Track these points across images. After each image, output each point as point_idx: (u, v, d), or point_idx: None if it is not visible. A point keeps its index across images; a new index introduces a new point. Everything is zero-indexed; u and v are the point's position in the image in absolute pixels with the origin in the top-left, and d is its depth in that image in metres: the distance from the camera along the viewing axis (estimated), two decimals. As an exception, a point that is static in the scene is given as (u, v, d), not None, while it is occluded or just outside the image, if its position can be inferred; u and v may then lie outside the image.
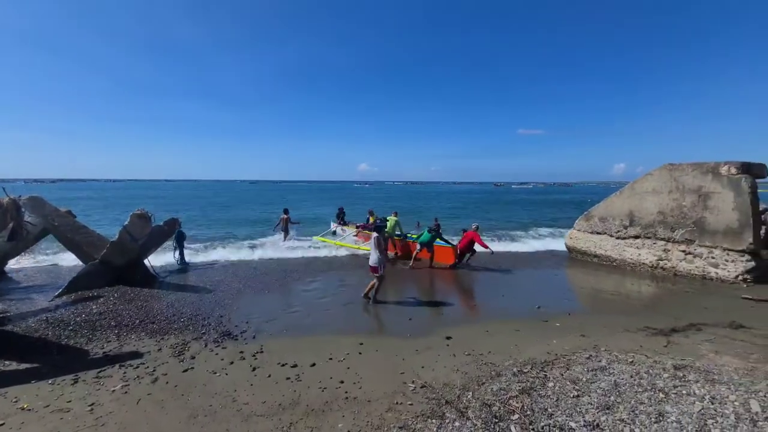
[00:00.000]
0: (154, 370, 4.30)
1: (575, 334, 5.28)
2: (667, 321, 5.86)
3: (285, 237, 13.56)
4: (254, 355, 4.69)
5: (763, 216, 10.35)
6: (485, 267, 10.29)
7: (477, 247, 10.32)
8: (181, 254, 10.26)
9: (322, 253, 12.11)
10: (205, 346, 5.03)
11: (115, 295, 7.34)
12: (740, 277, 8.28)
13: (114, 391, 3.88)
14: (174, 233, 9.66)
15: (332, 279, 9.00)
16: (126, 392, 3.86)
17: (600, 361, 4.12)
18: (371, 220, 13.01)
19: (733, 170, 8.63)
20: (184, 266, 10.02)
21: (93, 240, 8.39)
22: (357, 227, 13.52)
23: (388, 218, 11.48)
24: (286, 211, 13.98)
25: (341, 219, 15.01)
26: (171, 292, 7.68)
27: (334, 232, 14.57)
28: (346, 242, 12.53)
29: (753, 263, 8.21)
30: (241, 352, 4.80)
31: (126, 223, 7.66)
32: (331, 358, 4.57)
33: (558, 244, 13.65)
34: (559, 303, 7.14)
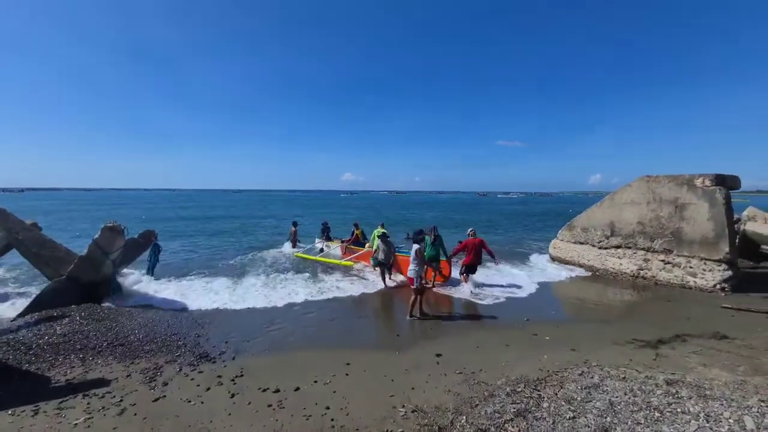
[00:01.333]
0: (121, 400, 3.95)
1: (565, 348, 5.21)
2: (653, 332, 5.89)
3: (293, 246, 14.41)
4: (233, 380, 4.41)
5: (735, 226, 10.73)
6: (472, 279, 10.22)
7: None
8: (153, 267, 9.78)
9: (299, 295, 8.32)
10: (180, 370, 4.70)
11: (82, 314, 6.83)
12: (718, 286, 8.50)
13: (76, 424, 3.53)
14: (150, 246, 9.20)
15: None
16: (89, 426, 3.52)
17: (593, 377, 4.05)
18: (357, 233, 12.71)
19: (708, 182, 8.93)
20: (154, 279, 9.54)
21: (60, 255, 7.87)
22: (342, 242, 13.10)
23: (375, 230, 10.95)
24: (294, 224, 15.08)
25: (326, 235, 14.43)
26: (144, 310, 7.25)
27: (321, 249, 13.76)
28: (330, 258, 12.02)
29: (730, 272, 8.45)
30: (219, 376, 4.50)
31: (96, 236, 7.23)
32: (316, 381, 4.33)
33: (544, 258, 13.76)
34: (547, 314, 7.12)
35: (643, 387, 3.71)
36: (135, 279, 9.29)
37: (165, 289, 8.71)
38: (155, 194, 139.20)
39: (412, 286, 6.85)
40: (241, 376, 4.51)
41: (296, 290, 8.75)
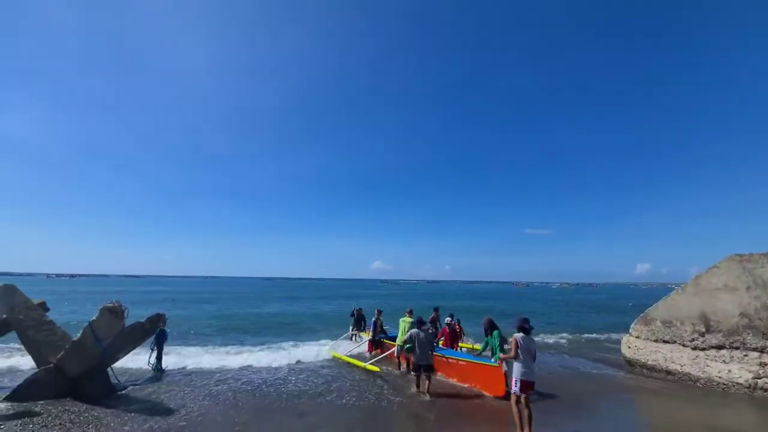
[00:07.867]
0: None
1: None
2: None
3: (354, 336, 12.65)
4: None
5: None
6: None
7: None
8: (159, 358, 8.65)
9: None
10: None
11: (54, 413, 5.67)
12: None
13: None
14: (155, 332, 8.21)
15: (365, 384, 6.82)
16: None
17: None
18: (378, 321, 11.02)
19: (829, 262, 7.08)
20: (159, 373, 8.32)
21: (55, 339, 7.02)
22: (371, 334, 11.09)
23: (402, 319, 9.05)
24: (359, 311, 13.16)
25: (359, 323, 12.65)
26: (133, 412, 5.84)
27: (352, 338, 12.29)
28: (352, 356, 9.95)
29: None
30: None
31: (94, 318, 6.42)
32: None
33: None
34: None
35: None
36: (135, 374, 8.13)
37: (164, 383, 7.42)
38: (192, 281, 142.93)
39: (513, 389, 4.99)
40: None
41: None
